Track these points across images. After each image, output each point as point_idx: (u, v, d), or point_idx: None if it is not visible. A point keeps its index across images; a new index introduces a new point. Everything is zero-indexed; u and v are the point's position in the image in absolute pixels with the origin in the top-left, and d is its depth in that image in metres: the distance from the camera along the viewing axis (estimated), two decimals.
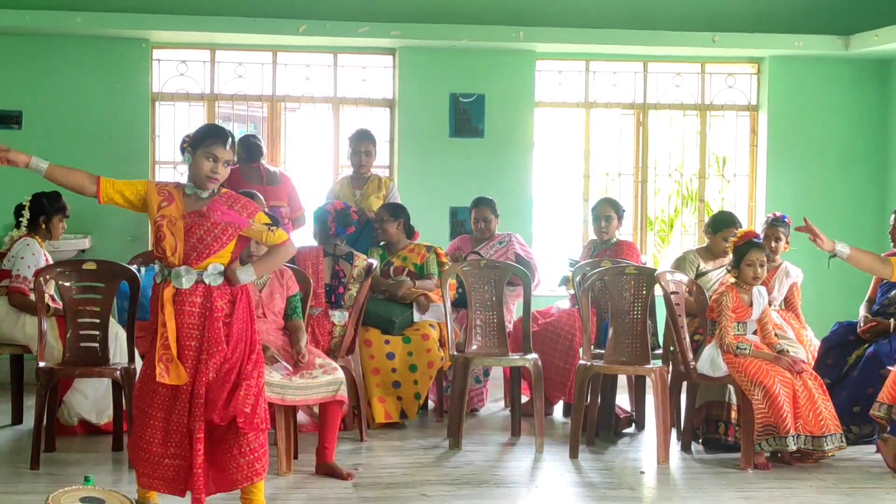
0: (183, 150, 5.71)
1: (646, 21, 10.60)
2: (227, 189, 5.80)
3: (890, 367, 7.61)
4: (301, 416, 8.01)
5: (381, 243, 8.89)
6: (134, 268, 7.82)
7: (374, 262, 8.41)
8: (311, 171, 10.82)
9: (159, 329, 5.64)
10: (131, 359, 7.43)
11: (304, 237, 9.18)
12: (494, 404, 9.39)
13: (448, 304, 8.17)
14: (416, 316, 8.60)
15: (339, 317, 8.12)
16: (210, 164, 5.62)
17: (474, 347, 8.17)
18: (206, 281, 5.64)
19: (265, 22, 10.12)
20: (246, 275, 5.72)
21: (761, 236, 8.12)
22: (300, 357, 7.04)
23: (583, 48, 10.64)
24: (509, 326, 8.61)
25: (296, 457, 7.30)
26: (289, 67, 10.78)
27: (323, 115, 10.88)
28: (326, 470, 7.05)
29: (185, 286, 5.62)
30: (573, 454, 7.68)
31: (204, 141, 5.64)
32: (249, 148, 9.49)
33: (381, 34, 10.21)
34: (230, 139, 5.69)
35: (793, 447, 7.29)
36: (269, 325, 7.21)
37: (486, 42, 10.33)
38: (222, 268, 5.68)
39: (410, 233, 8.89)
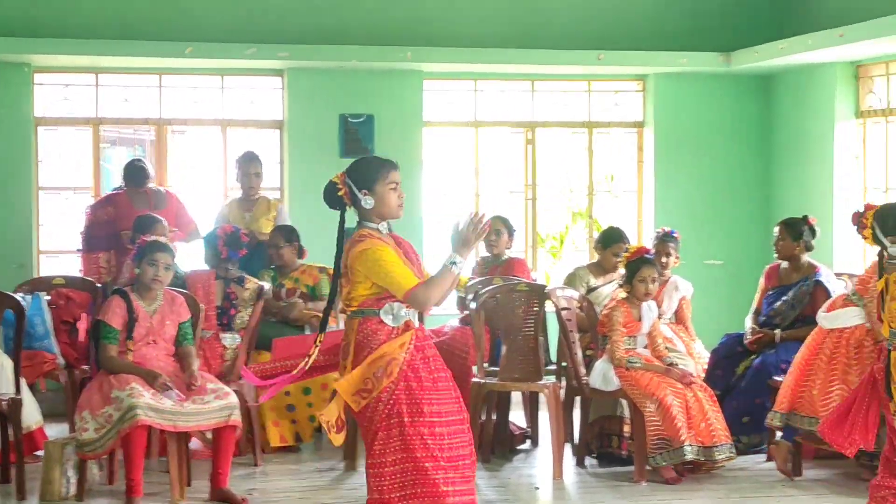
0: (335, 200, 5.33)
1: (532, 40, 10.69)
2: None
3: (777, 378, 7.75)
4: (194, 443, 7.91)
5: (273, 266, 8.83)
6: (19, 296, 7.68)
7: (266, 284, 8.36)
8: (199, 194, 10.71)
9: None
10: (17, 389, 7.28)
11: (195, 262, 9.07)
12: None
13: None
14: None
15: (230, 340, 8.05)
16: (395, 193, 5.32)
17: None
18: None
19: (150, 45, 10.01)
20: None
21: (652, 251, 8.22)
22: (192, 381, 6.96)
23: (470, 67, 10.70)
24: None
25: (189, 484, 7.20)
26: (175, 90, 10.67)
27: (211, 137, 10.79)
28: (221, 496, 6.97)
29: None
30: None
31: (380, 172, 5.33)
32: (135, 173, 9.36)
33: (268, 55, 10.16)
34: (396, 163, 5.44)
35: (689, 457, 7.38)
36: (160, 352, 7.12)
37: (374, 62, 10.34)
38: None
39: (300, 253, 8.88)
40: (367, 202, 5.22)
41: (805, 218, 8.64)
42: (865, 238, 5.72)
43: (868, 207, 5.73)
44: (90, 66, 10.36)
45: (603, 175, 11.78)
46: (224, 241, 8.13)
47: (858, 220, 5.69)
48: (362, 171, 5.29)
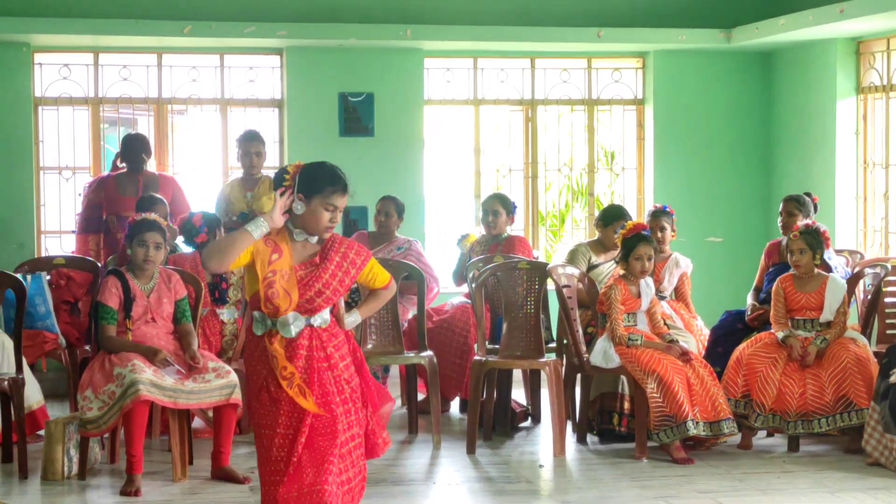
0: (280, 182, 5.07)
1: (532, 17, 10.66)
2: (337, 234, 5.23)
3: None
4: (196, 421, 7.92)
5: None
6: (20, 276, 7.68)
7: None
8: (200, 174, 10.70)
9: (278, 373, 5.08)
10: (19, 368, 7.29)
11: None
12: None
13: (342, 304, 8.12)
14: None
15: (227, 314, 8.05)
16: (329, 214, 5.04)
17: (369, 346, 8.15)
18: (316, 325, 5.11)
19: (149, 24, 9.99)
20: (352, 320, 5.29)
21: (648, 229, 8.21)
22: (193, 361, 6.97)
23: (470, 45, 10.67)
24: (404, 325, 8.61)
25: (191, 462, 7.22)
26: (174, 69, 10.65)
27: (210, 116, 10.77)
28: (222, 475, 6.99)
29: (293, 334, 5.07)
30: (470, 450, 7.71)
31: (324, 189, 5.04)
32: (132, 145, 9.37)
33: (267, 34, 10.13)
34: (347, 186, 5.14)
35: (693, 433, 7.39)
36: (160, 330, 7.13)
37: (373, 41, 10.32)
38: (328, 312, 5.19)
39: None
40: (298, 207, 5.02)
41: (808, 195, 8.66)
42: None
43: None
44: (89, 45, 10.34)
45: (603, 152, 11.76)
46: (181, 229, 8.17)
47: None
48: (311, 176, 5.05)
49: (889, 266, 8.26)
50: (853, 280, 8.28)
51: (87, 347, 8.10)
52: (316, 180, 5.03)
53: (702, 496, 6.74)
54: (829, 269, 8.04)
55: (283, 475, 4.97)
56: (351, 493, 5.12)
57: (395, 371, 9.39)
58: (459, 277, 9.11)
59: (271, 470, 5.01)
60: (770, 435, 8.02)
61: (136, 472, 6.77)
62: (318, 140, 10.42)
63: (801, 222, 8.11)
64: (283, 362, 5.01)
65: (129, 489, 6.72)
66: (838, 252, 8.76)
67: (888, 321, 8.17)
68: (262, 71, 10.74)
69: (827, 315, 7.80)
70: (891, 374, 7.20)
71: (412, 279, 8.34)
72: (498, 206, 9.01)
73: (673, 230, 8.66)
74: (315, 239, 5.10)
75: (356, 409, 5.16)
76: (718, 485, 6.96)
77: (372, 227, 9.70)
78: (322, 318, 5.10)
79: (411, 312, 8.85)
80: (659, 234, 8.47)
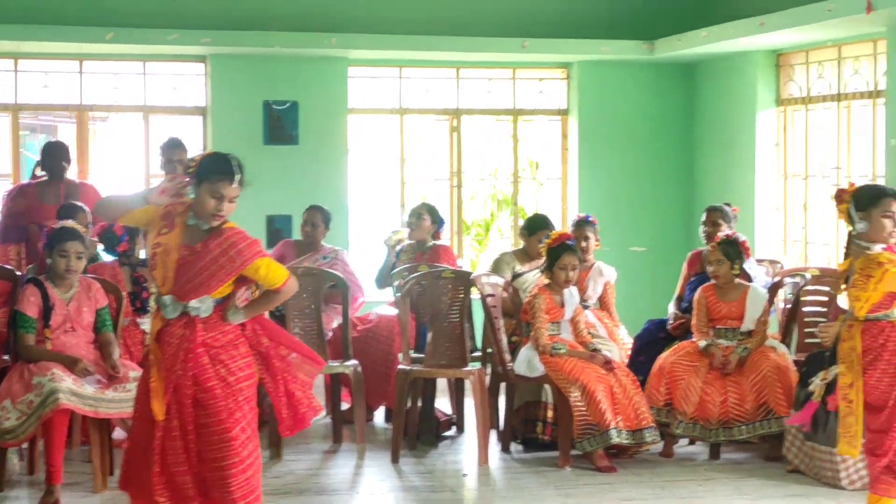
0: (187, 169, 5.30)
1: (457, 27, 10.69)
2: (231, 226, 5.33)
3: None
4: (116, 432, 7.83)
5: None
6: None
7: None
8: (121, 182, 10.60)
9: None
10: None
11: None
12: None
13: (266, 314, 8.08)
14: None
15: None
16: (215, 201, 5.20)
17: (293, 355, 8.08)
18: (192, 313, 5.24)
19: (71, 30, 9.87)
20: (234, 317, 5.35)
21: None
22: (114, 371, 6.89)
23: (396, 54, 10.68)
24: (329, 334, 8.57)
25: (111, 473, 7.12)
26: (96, 76, 10.54)
27: (133, 124, 10.67)
28: None
29: (171, 316, 5.25)
30: (394, 459, 7.70)
31: (211, 176, 5.21)
32: (53, 153, 9.23)
33: (191, 41, 10.06)
34: (235, 177, 5.25)
35: (615, 441, 7.43)
36: (80, 339, 7.04)
37: (298, 49, 10.29)
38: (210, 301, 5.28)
39: None
40: (191, 192, 5.25)
41: (728, 205, 8.76)
42: (840, 213, 5.83)
43: (851, 185, 5.88)
44: (10, 51, 10.21)
45: (528, 162, 11.82)
46: (102, 238, 8.08)
47: (839, 195, 5.81)
48: (205, 164, 5.25)
49: (808, 276, 8.37)
50: (773, 289, 8.38)
51: (6, 357, 7.97)
52: (207, 168, 5.23)
53: None
54: (749, 278, 8.14)
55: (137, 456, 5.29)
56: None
57: (319, 381, 9.32)
58: (383, 280, 9.09)
59: (132, 446, 5.34)
60: (692, 443, 8.08)
61: (56, 483, 6.67)
62: (241, 148, 10.16)
63: (724, 232, 8.21)
64: (151, 340, 5.24)
65: (48, 500, 6.62)
66: (759, 262, 8.86)
67: (807, 330, 8.28)
68: (185, 78, 10.67)
69: (748, 324, 7.89)
70: (810, 382, 7.29)
71: (337, 288, 8.31)
72: (424, 212, 9.02)
73: (597, 240, 8.72)
74: (206, 226, 5.25)
75: (241, 407, 5.26)
76: (641, 492, 7.01)
77: (297, 236, 9.65)
78: (200, 307, 5.23)
79: (336, 321, 8.81)
80: (583, 244, 8.52)
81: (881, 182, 8.70)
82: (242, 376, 5.32)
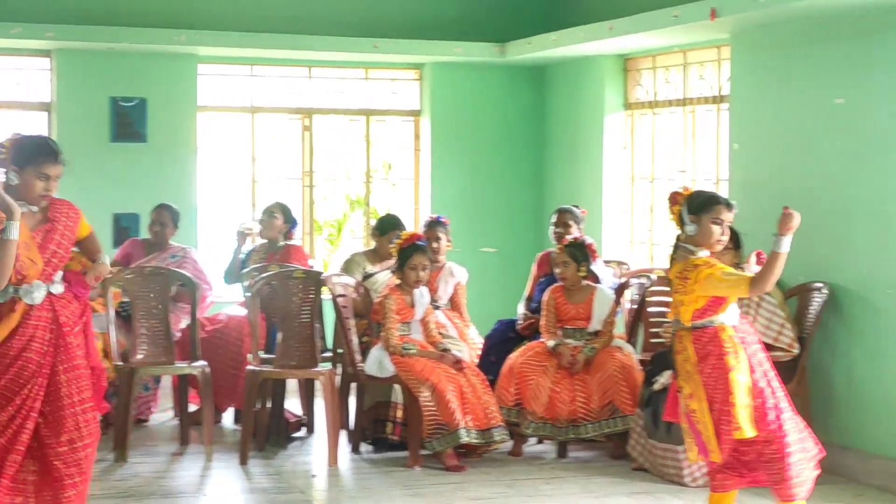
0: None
1: (309, 26, 10.62)
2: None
3: None
4: None
5: None
6: None
7: None
8: None
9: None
10: None
11: None
12: (164, 414, 9.19)
13: (112, 313, 7.96)
14: None
15: None
16: (42, 183, 5.25)
17: (140, 356, 7.98)
18: (55, 291, 5.33)
19: None
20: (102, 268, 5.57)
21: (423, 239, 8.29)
22: None
23: (247, 52, 10.56)
24: (177, 334, 8.45)
25: None
26: None
27: None
28: None
29: (37, 301, 5.26)
30: (243, 461, 7.63)
31: (35, 159, 5.25)
32: None
33: (35, 35, 9.81)
34: (58, 155, 5.33)
35: (465, 440, 7.48)
36: None
37: (146, 45, 10.10)
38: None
39: None
40: (11, 178, 5.25)
41: (577, 207, 8.88)
42: (672, 215, 5.92)
43: (685, 189, 5.97)
44: None
45: (380, 163, 11.82)
46: None
47: (673, 197, 5.90)
48: (22, 148, 5.30)
49: (654, 276, 8.53)
50: (619, 290, 8.52)
51: None
52: (28, 151, 5.27)
53: (473, 503, 6.82)
54: (597, 280, 8.26)
55: None
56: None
57: (166, 382, 9.20)
58: (231, 275, 8.99)
59: None
60: (540, 442, 8.18)
61: None
62: (87, 145, 10.13)
63: (573, 234, 8.33)
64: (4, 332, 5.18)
65: None
66: (607, 263, 9.00)
67: (652, 330, 8.44)
68: (29, 73, 10.40)
69: (595, 324, 8.02)
70: (654, 381, 7.44)
71: (186, 288, 8.20)
72: (276, 211, 8.97)
73: (448, 240, 8.76)
74: (35, 208, 5.28)
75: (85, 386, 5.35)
76: (489, 491, 7.07)
77: (144, 235, 9.48)
78: (57, 284, 5.32)
79: (184, 321, 8.69)
80: (434, 245, 8.55)
81: (724, 185, 8.91)
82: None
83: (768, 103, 8.32)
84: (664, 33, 8.97)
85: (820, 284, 7.64)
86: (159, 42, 10.08)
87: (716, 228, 5.74)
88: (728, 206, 5.78)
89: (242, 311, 8.55)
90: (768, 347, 7.38)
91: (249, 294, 7.98)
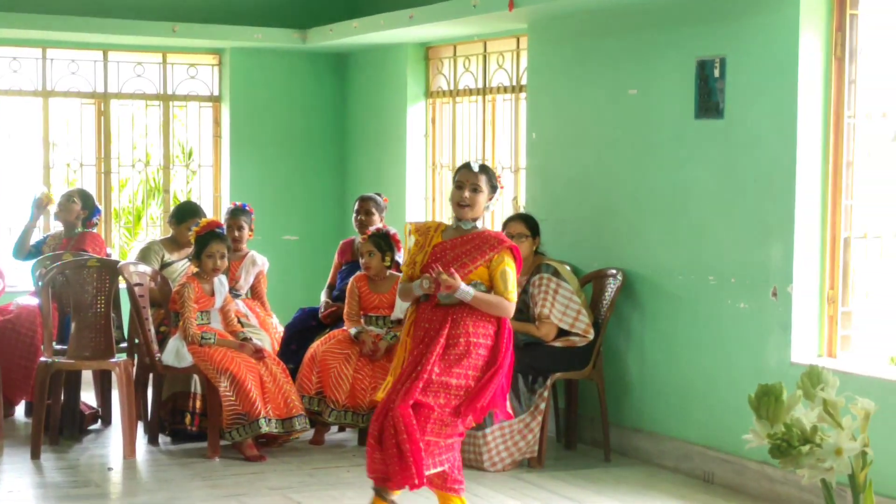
0: None
1: (105, 9, 10.35)
2: None
3: None
4: None
5: None
6: None
7: None
8: None
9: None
10: None
11: None
12: None
13: None
14: None
15: None
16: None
17: None
18: None
19: None
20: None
21: (224, 227, 8.19)
22: None
23: (39, 35, 10.23)
24: None
25: None
26: None
27: None
28: None
29: None
30: (35, 455, 7.42)
31: None
32: None
33: None
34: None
35: (265, 430, 7.42)
36: None
37: None
38: None
39: None
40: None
41: (379, 195, 8.90)
42: None
43: None
44: None
45: (180, 149, 11.61)
46: None
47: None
48: None
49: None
50: None
51: None
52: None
53: (273, 492, 6.78)
54: (400, 269, 8.30)
55: None
56: None
57: None
58: (20, 249, 8.74)
59: None
60: (342, 430, 8.18)
61: None
62: None
63: (375, 222, 8.35)
64: None
65: None
66: None
67: None
68: None
69: (398, 313, 8.05)
70: None
71: None
72: (75, 195, 8.77)
73: (251, 229, 8.67)
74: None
75: None
76: (289, 480, 7.03)
77: None
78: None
79: None
80: (237, 233, 8.46)
81: (522, 174, 9.03)
82: None
83: (564, 93, 8.47)
84: (464, 22, 9.03)
85: (614, 271, 7.82)
86: None
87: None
88: None
89: (35, 301, 8.30)
90: (565, 333, 7.60)
91: (41, 283, 7.76)
